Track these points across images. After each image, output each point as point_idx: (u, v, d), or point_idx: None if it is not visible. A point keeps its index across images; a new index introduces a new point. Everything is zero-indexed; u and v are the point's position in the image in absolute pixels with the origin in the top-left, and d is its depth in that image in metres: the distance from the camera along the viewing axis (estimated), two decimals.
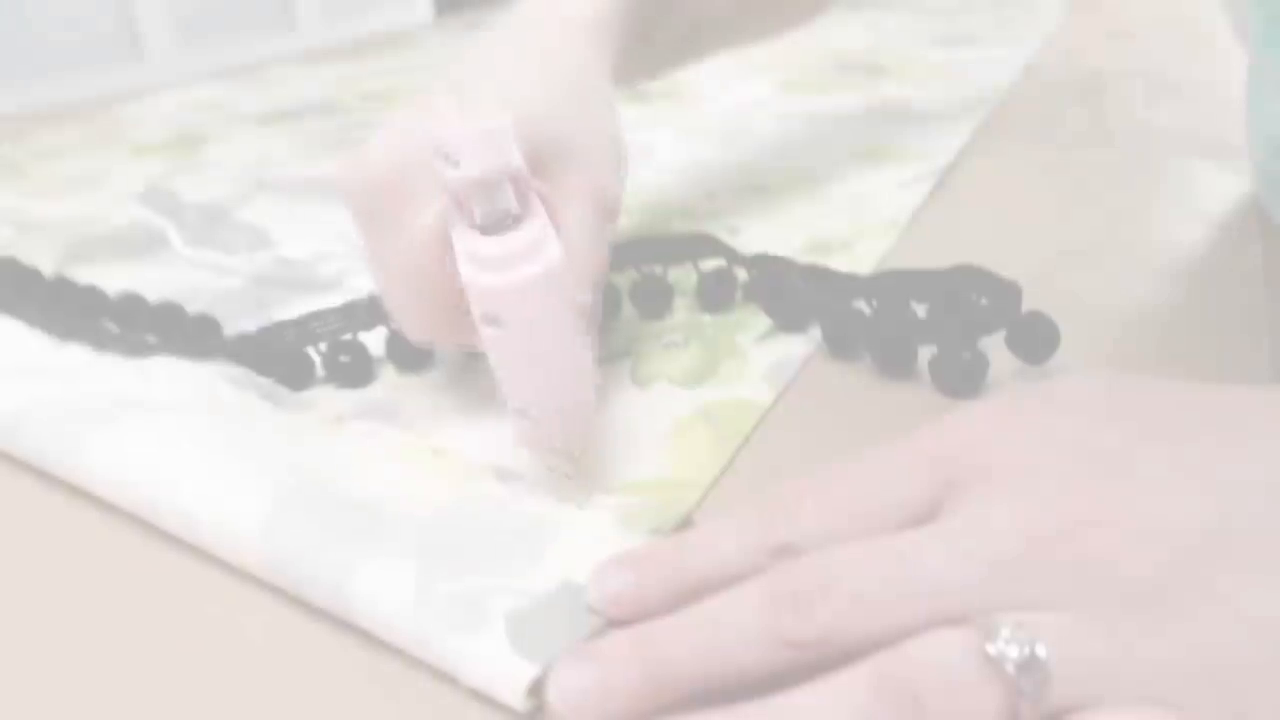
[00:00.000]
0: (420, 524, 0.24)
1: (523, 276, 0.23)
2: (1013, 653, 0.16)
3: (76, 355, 0.35)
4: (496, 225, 0.24)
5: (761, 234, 0.43)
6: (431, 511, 0.24)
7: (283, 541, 0.23)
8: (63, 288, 0.39)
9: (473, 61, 0.31)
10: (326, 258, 0.44)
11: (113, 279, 0.41)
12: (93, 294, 0.38)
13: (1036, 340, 0.30)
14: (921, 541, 0.18)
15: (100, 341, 0.35)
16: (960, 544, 0.18)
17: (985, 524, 0.18)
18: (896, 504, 0.20)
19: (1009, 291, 0.29)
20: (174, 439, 0.26)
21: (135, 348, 0.34)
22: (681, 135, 0.60)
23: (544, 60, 0.30)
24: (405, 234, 0.26)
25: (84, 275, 0.40)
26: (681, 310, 0.36)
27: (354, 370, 0.32)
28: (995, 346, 0.30)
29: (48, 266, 0.44)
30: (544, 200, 0.27)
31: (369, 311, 0.32)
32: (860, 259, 0.39)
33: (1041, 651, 0.16)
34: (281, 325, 0.32)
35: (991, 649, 0.16)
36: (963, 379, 0.29)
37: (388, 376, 0.33)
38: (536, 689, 0.20)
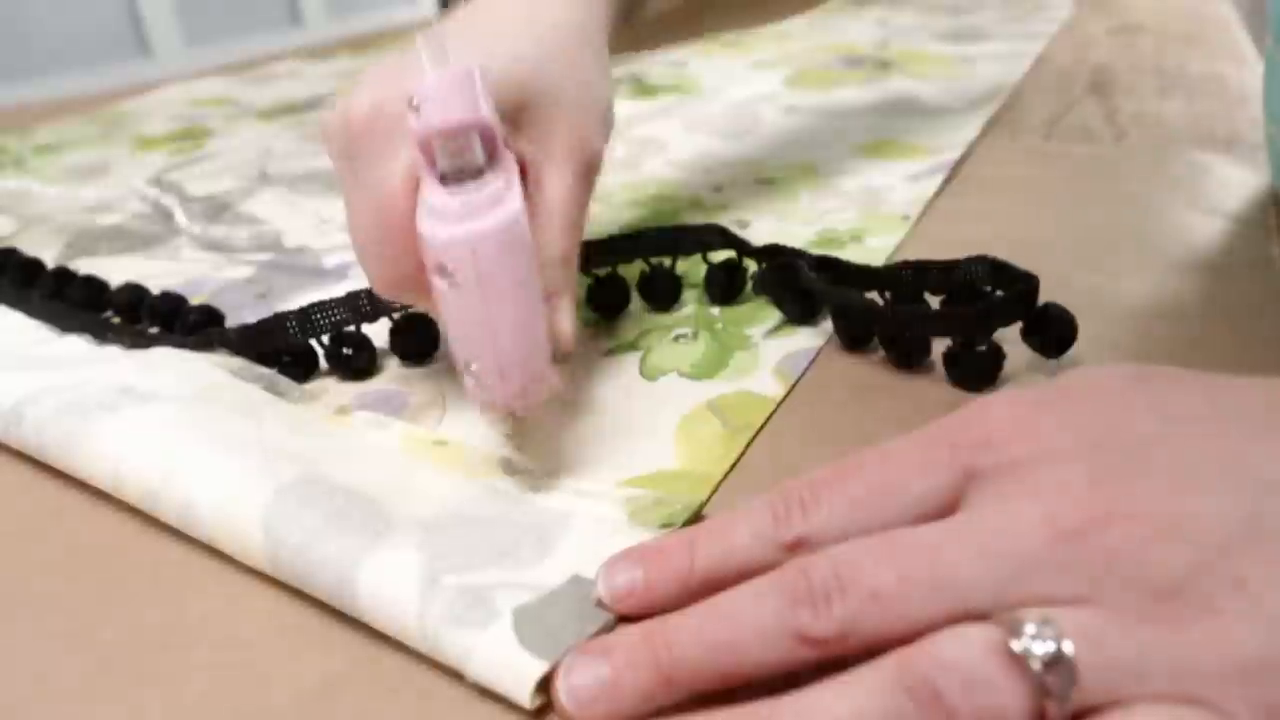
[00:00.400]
0: (425, 517, 0.23)
1: (472, 230, 0.22)
2: (1038, 649, 0.16)
3: (77, 347, 0.34)
4: (458, 176, 0.24)
5: (771, 227, 0.43)
6: (437, 505, 0.24)
7: (284, 533, 0.22)
8: (64, 279, 0.39)
9: (461, 14, 0.30)
10: (331, 250, 0.44)
11: (115, 271, 0.40)
12: (94, 285, 0.38)
13: (1053, 333, 0.29)
14: (942, 535, 0.18)
15: (101, 333, 0.35)
16: (982, 538, 0.17)
17: (1008, 517, 0.18)
18: (916, 497, 0.19)
19: (1026, 283, 0.29)
20: (174, 430, 0.26)
21: (136, 339, 0.33)
22: (689, 129, 0.59)
23: (532, 14, 0.29)
24: (375, 181, 0.26)
25: (86, 268, 0.40)
26: (690, 303, 0.36)
27: (357, 362, 0.32)
28: (1011, 340, 0.29)
29: (50, 259, 0.44)
30: (524, 155, 0.27)
31: (372, 302, 0.32)
32: (872, 252, 0.39)
33: (1068, 648, 0.16)
34: (283, 316, 0.31)
35: (1016, 645, 0.16)
36: (978, 372, 0.29)
37: (391, 368, 0.32)
38: (544, 686, 0.19)
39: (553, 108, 0.28)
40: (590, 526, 0.23)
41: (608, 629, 0.20)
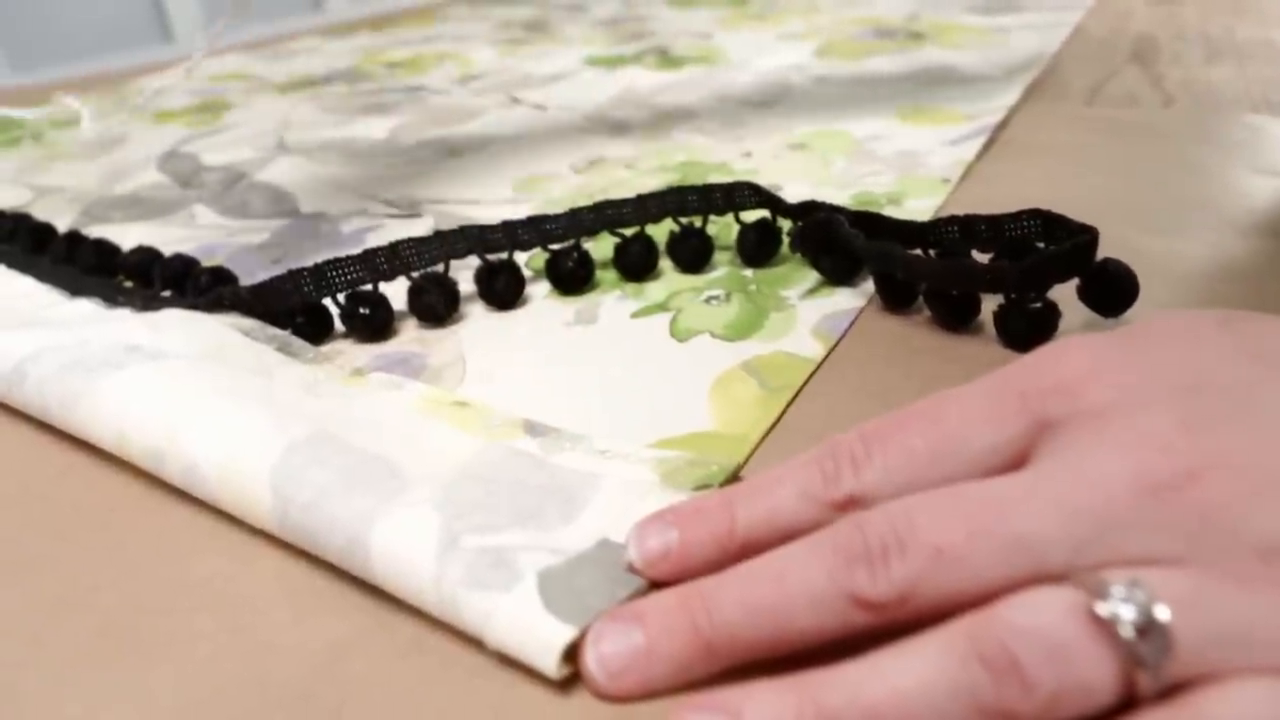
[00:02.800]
0: (443, 476, 0.22)
1: None
2: (1128, 614, 0.14)
3: (86, 309, 0.33)
4: None
5: (804, 191, 0.41)
6: (455, 465, 0.22)
7: (293, 491, 0.21)
8: (75, 243, 0.38)
9: None
10: (348, 215, 0.42)
11: (129, 238, 0.39)
12: (105, 249, 0.37)
13: (1112, 290, 0.27)
14: (1014, 489, 0.16)
15: (111, 296, 0.34)
16: (1060, 491, 0.16)
17: (1089, 470, 0.16)
18: (981, 450, 0.17)
19: (1083, 237, 0.27)
20: (181, 386, 0.24)
21: (147, 302, 0.32)
22: (717, 97, 0.57)
23: None
24: None
25: (100, 234, 0.39)
26: (722, 265, 0.34)
27: (374, 321, 0.30)
28: (1064, 300, 0.27)
29: (64, 227, 0.43)
30: None
31: (390, 261, 0.30)
32: (911, 214, 0.37)
33: (1162, 613, 0.14)
34: (297, 273, 0.30)
35: (1102, 610, 0.14)
36: (1031, 331, 0.27)
37: (409, 330, 0.31)
38: (572, 655, 0.18)
39: None
40: (619, 488, 0.21)
41: (640, 595, 0.19)
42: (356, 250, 0.33)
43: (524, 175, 0.46)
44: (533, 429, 0.24)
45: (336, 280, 0.30)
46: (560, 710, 0.17)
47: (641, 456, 0.23)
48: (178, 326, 0.28)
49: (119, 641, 0.20)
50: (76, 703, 0.18)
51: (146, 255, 0.35)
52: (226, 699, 0.18)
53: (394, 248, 0.31)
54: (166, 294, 0.34)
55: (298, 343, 0.29)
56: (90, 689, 0.19)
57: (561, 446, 0.23)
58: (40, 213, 0.45)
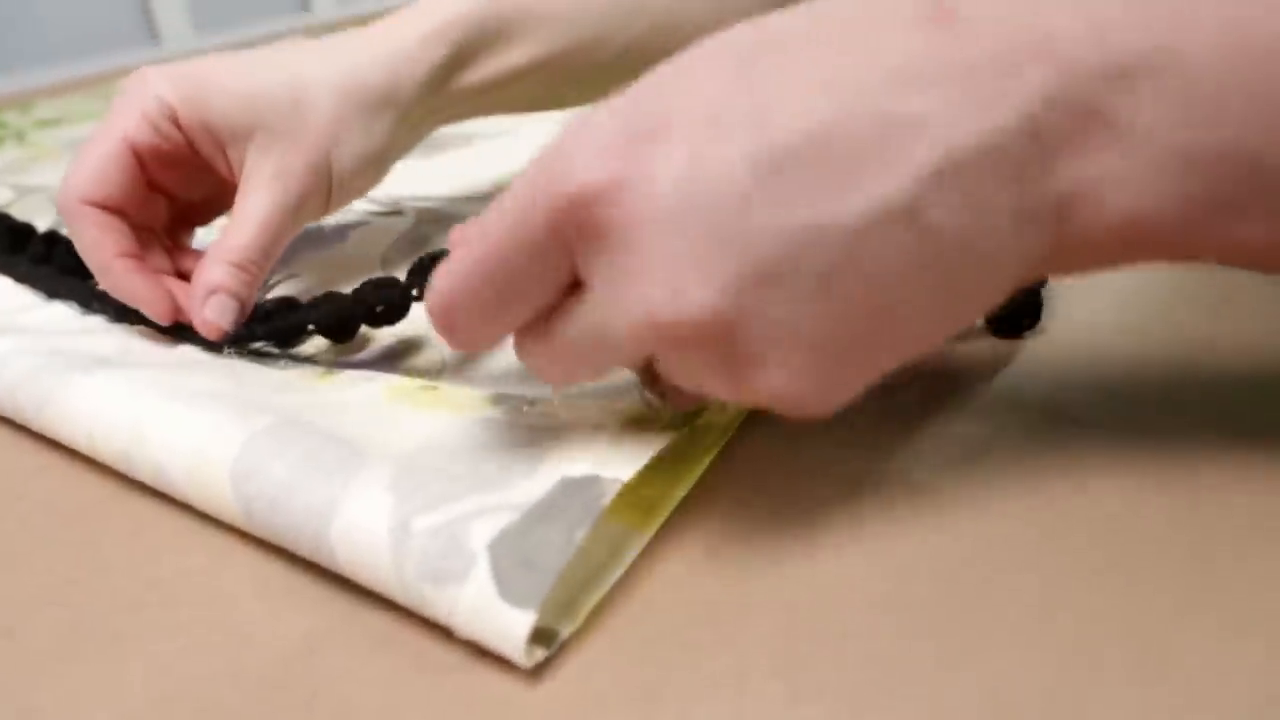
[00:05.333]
0: (403, 451, 0.21)
1: None
2: None
3: (61, 314, 0.33)
4: None
5: None
6: (418, 439, 0.22)
7: (254, 490, 0.20)
8: (53, 243, 0.37)
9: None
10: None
11: None
12: None
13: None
14: None
15: (87, 300, 0.33)
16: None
17: None
18: None
19: None
20: (147, 389, 0.24)
21: (123, 309, 0.32)
22: None
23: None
24: None
25: None
26: None
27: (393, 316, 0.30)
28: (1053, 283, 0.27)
29: (45, 226, 0.42)
30: (245, 165, 0.31)
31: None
32: None
33: None
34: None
35: None
36: (1019, 317, 0.27)
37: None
38: (547, 636, 0.18)
39: (272, 141, 0.31)
40: (581, 433, 0.21)
41: (597, 530, 0.19)
42: (338, 245, 0.33)
43: (507, 172, 0.46)
44: (498, 400, 0.24)
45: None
46: (529, 704, 0.17)
47: (608, 410, 0.23)
48: (148, 343, 0.28)
49: (93, 636, 0.19)
50: (50, 697, 0.18)
51: None
52: (199, 692, 0.18)
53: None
54: None
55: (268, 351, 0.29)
56: (64, 683, 0.18)
57: (522, 408, 0.23)
58: (21, 213, 0.44)
